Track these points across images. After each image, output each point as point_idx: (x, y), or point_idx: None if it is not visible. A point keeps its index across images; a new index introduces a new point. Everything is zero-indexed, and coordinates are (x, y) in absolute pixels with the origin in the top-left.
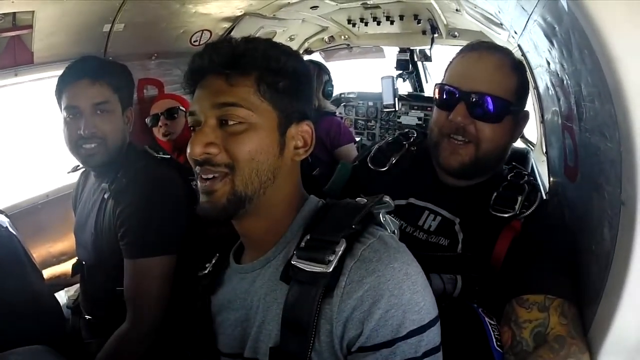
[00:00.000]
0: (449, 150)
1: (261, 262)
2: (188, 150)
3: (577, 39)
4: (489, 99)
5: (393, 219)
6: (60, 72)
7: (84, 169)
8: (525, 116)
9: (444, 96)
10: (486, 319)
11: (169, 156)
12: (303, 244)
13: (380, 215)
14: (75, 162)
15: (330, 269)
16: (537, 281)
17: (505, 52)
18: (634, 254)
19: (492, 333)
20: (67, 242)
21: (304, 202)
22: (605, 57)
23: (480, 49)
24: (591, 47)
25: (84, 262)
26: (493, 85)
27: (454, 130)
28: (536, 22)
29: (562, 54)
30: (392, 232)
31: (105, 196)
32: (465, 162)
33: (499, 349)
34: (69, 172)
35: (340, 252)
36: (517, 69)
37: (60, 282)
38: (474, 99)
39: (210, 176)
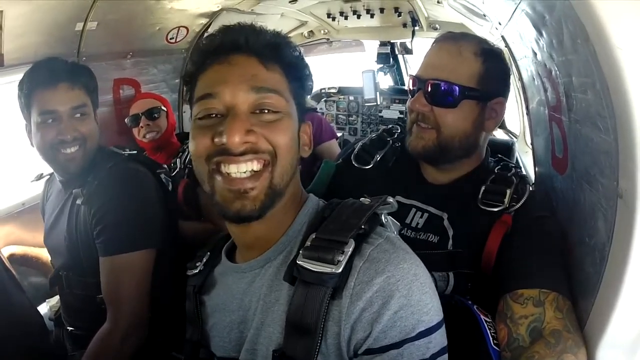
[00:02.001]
0: (414, 135)
1: (260, 261)
2: (223, 140)
3: (570, 28)
4: (442, 85)
5: (394, 220)
6: None
7: (48, 177)
8: (498, 104)
9: (412, 85)
10: (481, 316)
11: (135, 152)
12: (309, 243)
13: (383, 217)
14: (38, 170)
15: (340, 270)
16: (530, 275)
17: (472, 39)
18: (633, 247)
19: (489, 331)
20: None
21: (305, 201)
22: (604, 46)
23: (444, 39)
24: (587, 36)
25: (60, 273)
26: (448, 71)
27: (416, 117)
28: (524, 11)
29: (552, 44)
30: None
31: (79, 201)
32: (429, 146)
33: (495, 347)
34: (32, 181)
35: (349, 253)
36: (483, 55)
37: (41, 293)
38: (429, 86)
39: (244, 171)
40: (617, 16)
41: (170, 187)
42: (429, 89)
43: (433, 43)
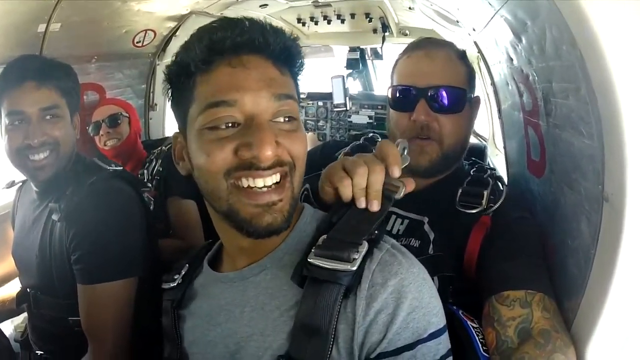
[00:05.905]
0: (416, 151)
1: (253, 269)
2: (252, 153)
3: (554, 34)
4: (447, 91)
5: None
6: None
7: (21, 183)
8: (477, 101)
9: (401, 97)
10: (468, 322)
11: (121, 168)
12: (320, 242)
13: None
14: (10, 176)
15: (355, 267)
16: (515, 277)
17: (448, 45)
18: (621, 250)
19: (477, 337)
20: (8, 266)
21: (302, 210)
22: (593, 51)
23: (426, 45)
24: (574, 41)
25: (29, 291)
26: (447, 77)
27: (419, 130)
28: (503, 17)
29: (532, 50)
30: None
31: (55, 217)
32: (434, 159)
33: (485, 354)
34: (3, 188)
35: (363, 253)
36: (462, 59)
37: (4, 312)
38: (432, 94)
39: (270, 184)
40: (607, 20)
41: (152, 207)
42: (432, 97)
43: (411, 51)
